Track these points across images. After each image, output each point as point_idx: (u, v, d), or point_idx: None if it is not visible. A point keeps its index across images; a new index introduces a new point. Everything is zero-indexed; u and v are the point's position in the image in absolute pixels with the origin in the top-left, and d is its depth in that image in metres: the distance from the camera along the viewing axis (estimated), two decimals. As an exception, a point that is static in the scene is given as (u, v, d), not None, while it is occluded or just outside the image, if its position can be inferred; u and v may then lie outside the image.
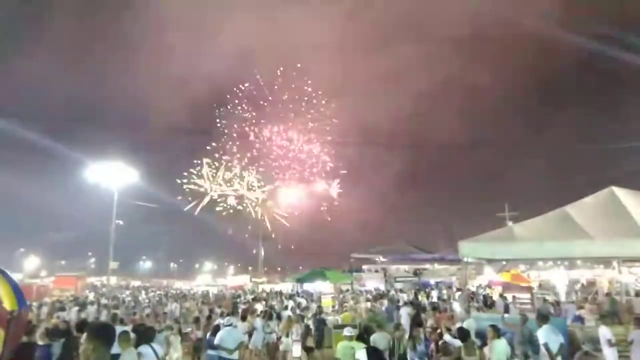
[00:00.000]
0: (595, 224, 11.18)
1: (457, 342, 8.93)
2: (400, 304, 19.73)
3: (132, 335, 7.67)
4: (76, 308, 19.44)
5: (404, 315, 15.52)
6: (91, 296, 34.46)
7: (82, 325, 9.45)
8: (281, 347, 13.28)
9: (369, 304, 20.98)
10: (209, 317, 14.65)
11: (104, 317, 18.49)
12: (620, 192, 12.09)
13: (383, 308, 19.63)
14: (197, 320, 14.45)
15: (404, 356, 8.41)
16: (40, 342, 9.30)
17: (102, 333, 3.35)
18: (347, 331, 8.53)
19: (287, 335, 12.98)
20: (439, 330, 10.38)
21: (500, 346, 8.45)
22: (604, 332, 10.19)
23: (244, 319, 13.87)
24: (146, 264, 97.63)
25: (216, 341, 9.91)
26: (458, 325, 11.09)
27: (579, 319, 14.12)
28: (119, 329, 9.43)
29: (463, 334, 8.81)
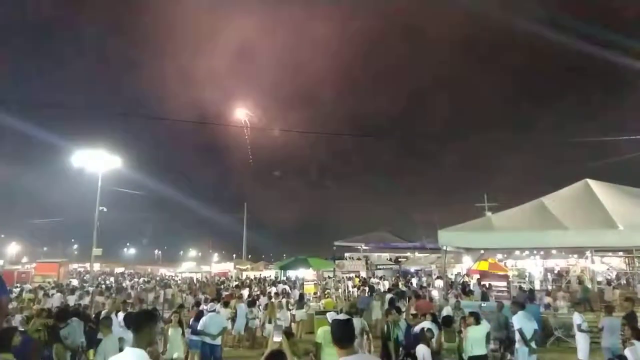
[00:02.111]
0: (569, 215, 11.51)
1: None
2: (382, 290, 20.07)
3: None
4: (58, 294, 19.38)
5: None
6: (74, 282, 34.29)
7: (63, 312, 9.44)
8: (264, 333, 13.52)
9: (350, 289, 21.26)
10: (198, 304, 14.63)
11: (86, 302, 18.49)
12: (595, 185, 12.44)
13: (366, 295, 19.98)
14: (181, 307, 14.40)
15: (397, 340, 8.58)
16: (21, 329, 9.33)
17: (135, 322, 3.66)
18: (330, 317, 8.70)
19: (270, 322, 13.20)
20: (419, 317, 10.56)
21: (475, 332, 8.62)
22: (576, 318, 10.60)
23: (226, 305, 14.03)
24: (130, 251, 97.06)
25: (199, 327, 10.05)
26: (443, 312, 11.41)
27: (551, 307, 14.60)
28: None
29: (445, 321, 8.97)
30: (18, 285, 28.18)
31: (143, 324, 3.55)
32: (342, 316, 8.25)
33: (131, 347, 3.33)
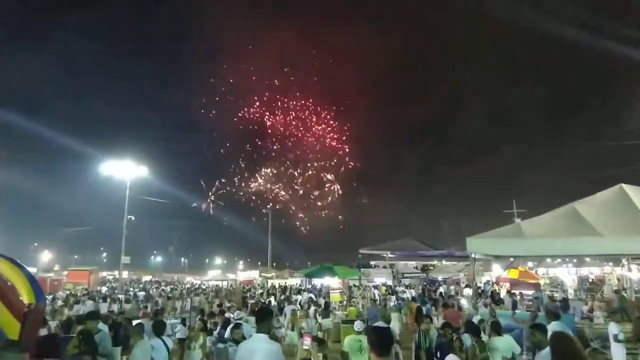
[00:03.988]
0: (604, 221, 11.08)
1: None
2: (409, 299, 19.85)
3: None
4: (90, 302, 19.77)
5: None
6: (103, 290, 35.03)
7: (91, 315, 9.49)
8: (286, 341, 13.45)
9: (376, 298, 21.03)
10: (222, 313, 14.64)
11: (115, 310, 18.82)
12: (630, 190, 11.98)
13: (392, 304, 19.78)
14: (212, 315, 14.23)
15: (429, 349, 8.42)
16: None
17: (260, 315, 5.32)
18: (356, 325, 8.63)
19: (293, 329, 13.12)
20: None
21: (499, 343, 8.30)
22: (612, 328, 10.20)
23: (254, 313, 13.99)
24: (157, 259, 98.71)
25: (226, 335, 10.07)
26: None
27: (587, 318, 14.11)
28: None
29: (475, 330, 8.67)
30: (64, 292, 28.91)
31: (264, 316, 5.18)
32: (380, 324, 8.19)
33: (257, 333, 5.02)
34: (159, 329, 7.95)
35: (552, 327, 8.74)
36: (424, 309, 14.94)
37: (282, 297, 24.34)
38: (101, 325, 8.65)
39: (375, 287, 30.29)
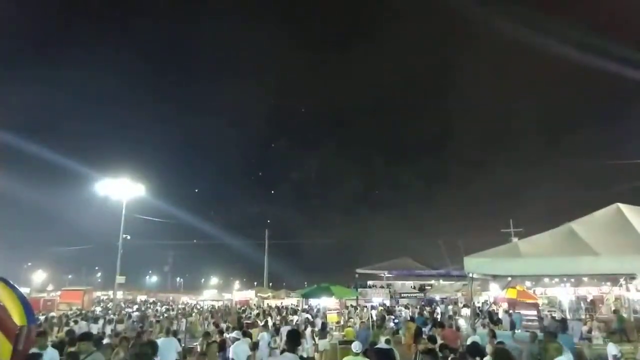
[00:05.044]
0: (601, 240, 11.08)
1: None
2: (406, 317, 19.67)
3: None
4: (83, 322, 19.51)
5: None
6: (97, 310, 34.54)
7: (84, 336, 9.40)
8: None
9: (374, 319, 20.87)
10: (221, 333, 14.53)
11: (109, 331, 18.55)
12: (626, 209, 12.02)
13: (391, 324, 19.56)
14: (207, 334, 13.97)
15: None
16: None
17: (292, 336, 5.92)
18: (355, 346, 8.55)
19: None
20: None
21: None
22: (611, 349, 10.13)
23: (245, 334, 13.79)
24: (152, 279, 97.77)
25: (231, 355, 10.03)
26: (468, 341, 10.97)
27: (585, 338, 14.01)
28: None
29: (476, 351, 8.52)
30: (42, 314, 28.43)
31: (293, 337, 5.75)
32: (384, 346, 8.17)
33: (287, 352, 5.54)
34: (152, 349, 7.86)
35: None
36: (424, 329, 14.76)
37: (279, 317, 24.08)
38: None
39: (373, 307, 30.00)
